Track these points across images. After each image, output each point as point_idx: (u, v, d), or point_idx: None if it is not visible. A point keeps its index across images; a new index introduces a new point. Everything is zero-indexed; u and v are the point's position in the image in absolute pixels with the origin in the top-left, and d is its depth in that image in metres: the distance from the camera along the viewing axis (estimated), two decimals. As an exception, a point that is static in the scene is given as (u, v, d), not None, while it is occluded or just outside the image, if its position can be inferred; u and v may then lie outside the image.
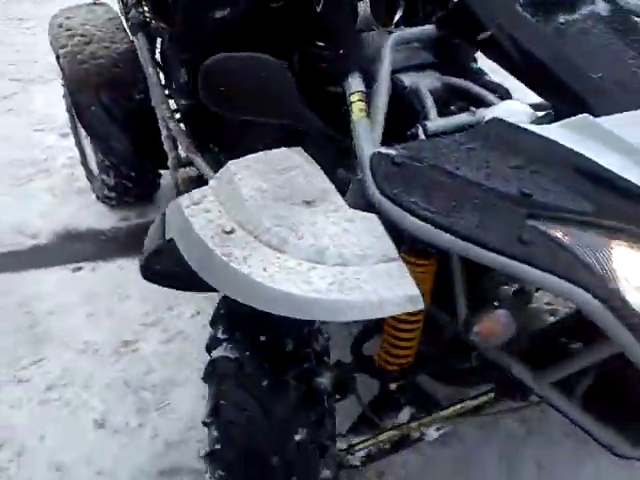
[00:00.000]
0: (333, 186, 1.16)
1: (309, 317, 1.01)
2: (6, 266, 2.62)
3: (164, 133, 2.19)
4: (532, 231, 1.04)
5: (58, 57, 2.58)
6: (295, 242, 1.06)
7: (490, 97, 1.37)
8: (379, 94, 1.30)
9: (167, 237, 1.18)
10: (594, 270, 1.02)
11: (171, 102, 2.30)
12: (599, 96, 1.29)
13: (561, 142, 1.16)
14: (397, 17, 1.69)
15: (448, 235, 1.05)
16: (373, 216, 1.10)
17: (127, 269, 2.56)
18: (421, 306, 1.01)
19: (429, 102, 1.35)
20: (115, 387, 2.05)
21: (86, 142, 2.82)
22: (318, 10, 1.36)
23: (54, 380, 2.09)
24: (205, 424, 1.22)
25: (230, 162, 1.22)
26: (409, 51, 1.53)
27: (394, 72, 1.45)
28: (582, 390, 1.33)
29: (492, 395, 1.44)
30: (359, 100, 1.27)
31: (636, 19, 1.48)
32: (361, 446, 1.37)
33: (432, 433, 1.46)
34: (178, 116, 2.24)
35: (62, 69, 2.57)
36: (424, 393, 1.47)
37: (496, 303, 1.23)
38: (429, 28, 1.49)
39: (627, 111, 1.24)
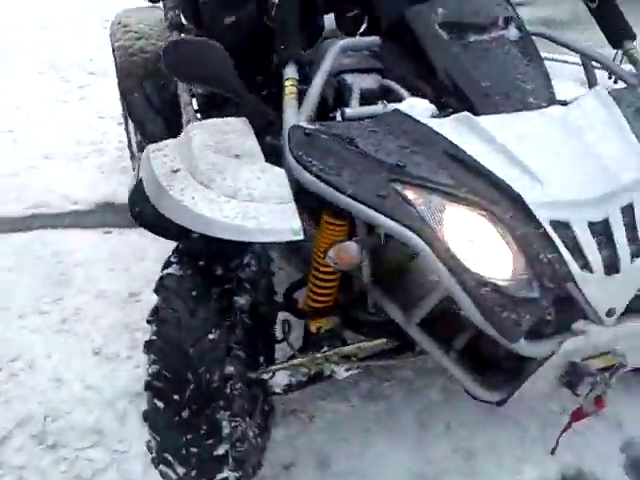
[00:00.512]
0: (259, 147, 1.49)
1: (216, 235, 1.33)
2: (50, 224, 3.07)
3: (184, 118, 2.55)
4: (390, 190, 1.34)
5: (113, 50, 3.01)
6: (219, 182, 1.39)
7: (405, 95, 1.65)
8: (313, 85, 1.62)
9: (138, 178, 1.53)
10: (428, 222, 1.31)
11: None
12: (484, 100, 1.58)
13: (439, 131, 1.45)
14: (362, 28, 2.00)
15: (330, 188, 1.35)
16: (281, 171, 1.42)
17: (149, 237, 2.94)
18: (300, 237, 1.31)
19: (355, 95, 1.67)
20: (115, 327, 2.41)
21: (131, 127, 3.24)
22: (272, 14, 1.70)
23: (68, 315, 2.47)
24: (148, 322, 1.53)
25: (192, 124, 1.56)
26: (360, 57, 1.85)
27: (342, 72, 1.78)
28: (461, 344, 1.58)
29: (384, 340, 1.69)
30: (291, 85, 1.60)
31: (535, 46, 1.75)
32: (276, 367, 1.66)
33: (342, 372, 1.72)
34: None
35: (115, 60, 3.00)
36: (340, 337, 1.74)
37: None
38: (375, 38, 1.80)
39: (504, 114, 1.52)
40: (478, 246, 1.35)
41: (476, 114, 1.52)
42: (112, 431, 1.99)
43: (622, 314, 1.43)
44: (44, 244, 2.90)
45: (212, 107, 2.47)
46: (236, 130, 1.53)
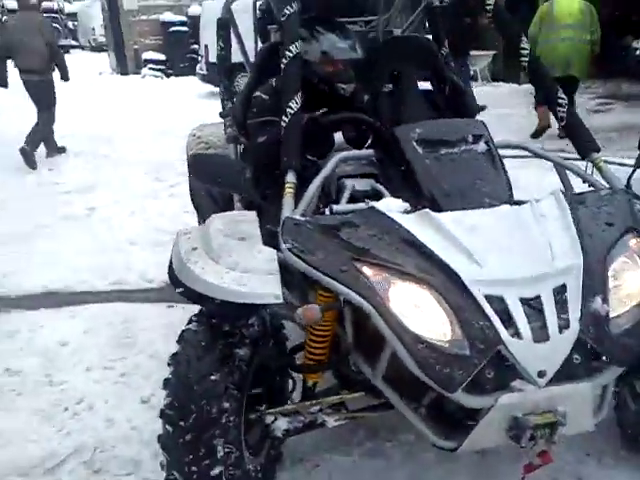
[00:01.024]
0: (259, 233, 1.95)
1: (216, 297, 1.77)
2: (125, 298, 3.65)
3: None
4: (351, 266, 1.74)
5: (187, 156, 3.66)
6: (225, 258, 1.86)
7: (387, 195, 2.09)
8: (310, 188, 2.08)
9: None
10: (377, 291, 1.70)
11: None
12: (446, 200, 1.98)
13: (402, 224, 1.86)
14: (369, 142, 2.48)
15: (305, 265, 1.78)
16: (273, 251, 1.86)
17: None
18: (279, 301, 1.74)
19: (346, 195, 2.12)
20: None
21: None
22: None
23: (127, 371, 2.96)
24: (168, 364, 1.96)
25: (214, 215, 2.07)
26: (359, 165, 2.31)
27: (342, 177, 2.25)
28: (428, 400, 1.90)
29: (362, 394, 2.03)
30: (289, 188, 2.07)
31: (499, 157, 2.15)
32: (272, 411, 2.03)
33: (331, 422, 2.07)
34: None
35: (188, 164, 3.64)
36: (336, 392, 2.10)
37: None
38: (370, 151, 2.28)
39: (460, 210, 1.91)
40: (418, 312, 1.71)
41: (439, 210, 1.93)
42: (147, 464, 2.38)
43: (563, 378, 1.71)
44: (116, 313, 3.46)
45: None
46: (246, 221, 2.02)
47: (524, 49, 2.45)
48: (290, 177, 2.10)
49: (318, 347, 2.05)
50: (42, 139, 7.11)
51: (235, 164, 2.10)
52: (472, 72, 12.29)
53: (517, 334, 1.69)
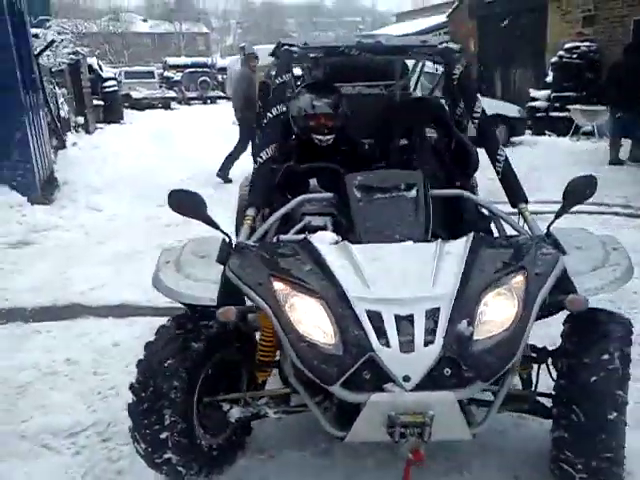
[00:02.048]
0: (217, 253, 2.48)
1: (169, 297, 2.33)
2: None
3: None
4: (266, 281, 2.22)
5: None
6: (185, 270, 2.42)
7: (329, 230, 2.55)
8: (268, 220, 2.60)
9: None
10: (279, 301, 2.16)
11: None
12: (365, 235, 2.41)
13: (321, 251, 2.32)
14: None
15: (236, 278, 2.29)
16: (220, 267, 2.39)
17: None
18: (213, 304, 2.26)
19: (296, 228, 2.61)
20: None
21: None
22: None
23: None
24: (144, 348, 2.51)
25: (192, 238, 2.64)
26: (321, 206, 2.79)
27: (306, 214, 2.75)
28: (325, 395, 2.30)
29: (288, 390, 2.46)
30: (248, 220, 2.60)
31: (428, 203, 2.54)
32: (219, 398, 2.52)
33: (272, 414, 2.52)
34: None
35: (239, 202, 4.28)
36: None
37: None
38: (329, 194, 2.76)
39: (373, 243, 2.34)
40: (308, 318, 2.15)
41: (359, 243, 2.37)
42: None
43: (431, 386, 2.06)
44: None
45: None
46: (212, 243, 2.56)
47: (476, 112, 2.83)
48: (250, 211, 2.64)
49: (265, 349, 2.54)
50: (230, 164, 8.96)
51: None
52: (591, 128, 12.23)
53: (387, 344, 2.07)
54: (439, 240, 2.37)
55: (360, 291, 2.15)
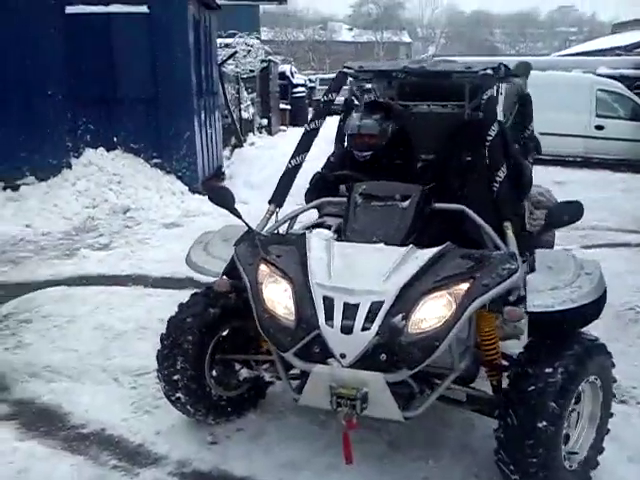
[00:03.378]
0: (237, 238, 3.02)
1: (190, 268, 2.94)
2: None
3: None
4: (255, 262, 2.73)
5: None
6: (209, 249, 3.02)
7: (333, 228, 2.98)
8: (283, 218, 3.10)
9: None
10: (258, 280, 2.66)
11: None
12: (351, 234, 2.82)
13: (308, 244, 2.76)
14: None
15: (237, 258, 2.82)
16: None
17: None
18: (217, 278, 2.82)
19: (302, 225, 3.07)
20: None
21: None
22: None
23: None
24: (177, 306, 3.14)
25: (225, 225, 3.23)
26: (339, 208, 3.21)
27: (325, 215, 3.20)
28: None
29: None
30: (267, 214, 3.13)
31: (417, 215, 2.87)
32: (229, 357, 3.06)
33: (267, 377, 3.00)
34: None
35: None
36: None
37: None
38: (344, 199, 3.18)
39: (353, 242, 2.74)
40: (276, 295, 2.60)
41: (346, 241, 2.79)
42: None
43: (364, 367, 2.41)
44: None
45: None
46: (238, 229, 3.10)
47: (490, 135, 3.06)
48: (270, 207, 3.16)
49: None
50: None
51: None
52: None
53: (332, 325, 2.45)
54: (411, 246, 2.68)
55: (322, 279, 2.55)
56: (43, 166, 8.29)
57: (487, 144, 3.07)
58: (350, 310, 2.47)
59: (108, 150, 8.44)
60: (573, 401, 2.56)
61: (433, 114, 4.23)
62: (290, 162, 3.28)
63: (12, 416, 3.39)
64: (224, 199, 3.08)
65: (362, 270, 2.60)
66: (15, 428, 3.27)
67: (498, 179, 2.95)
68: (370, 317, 2.44)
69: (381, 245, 2.73)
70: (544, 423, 2.42)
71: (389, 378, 2.43)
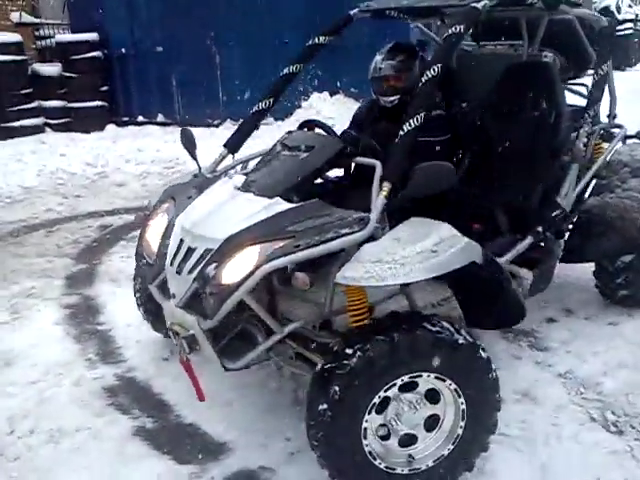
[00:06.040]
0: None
1: None
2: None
3: None
4: (163, 197, 2.98)
5: None
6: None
7: None
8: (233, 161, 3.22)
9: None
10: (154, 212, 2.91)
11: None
12: (245, 182, 2.76)
13: (211, 187, 2.88)
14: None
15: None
16: None
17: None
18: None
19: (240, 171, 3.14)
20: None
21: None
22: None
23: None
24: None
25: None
26: None
27: None
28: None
29: None
30: (218, 158, 3.26)
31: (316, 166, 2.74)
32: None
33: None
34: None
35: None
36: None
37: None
38: None
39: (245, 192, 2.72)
40: (153, 234, 2.86)
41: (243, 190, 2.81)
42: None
43: (187, 307, 2.50)
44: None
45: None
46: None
47: None
48: (222, 151, 3.31)
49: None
50: None
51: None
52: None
53: (171, 264, 2.60)
54: (277, 199, 2.55)
55: (185, 221, 2.64)
56: (280, 108, 9.24)
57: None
58: (189, 254, 2.56)
59: (331, 94, 8.98)
60: (379, 394, 2.28)
61: (486, 55, 3.72)
62: (254, 107, 3.30)
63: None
64: (187, 142, 3.27)
65: (221, 218, 2.59)
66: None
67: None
68: (197, 262, 2.50)
69: (250, 195, 2.67)
70: (324, 406, 2.24)
71: (202, 324, 2.48)
